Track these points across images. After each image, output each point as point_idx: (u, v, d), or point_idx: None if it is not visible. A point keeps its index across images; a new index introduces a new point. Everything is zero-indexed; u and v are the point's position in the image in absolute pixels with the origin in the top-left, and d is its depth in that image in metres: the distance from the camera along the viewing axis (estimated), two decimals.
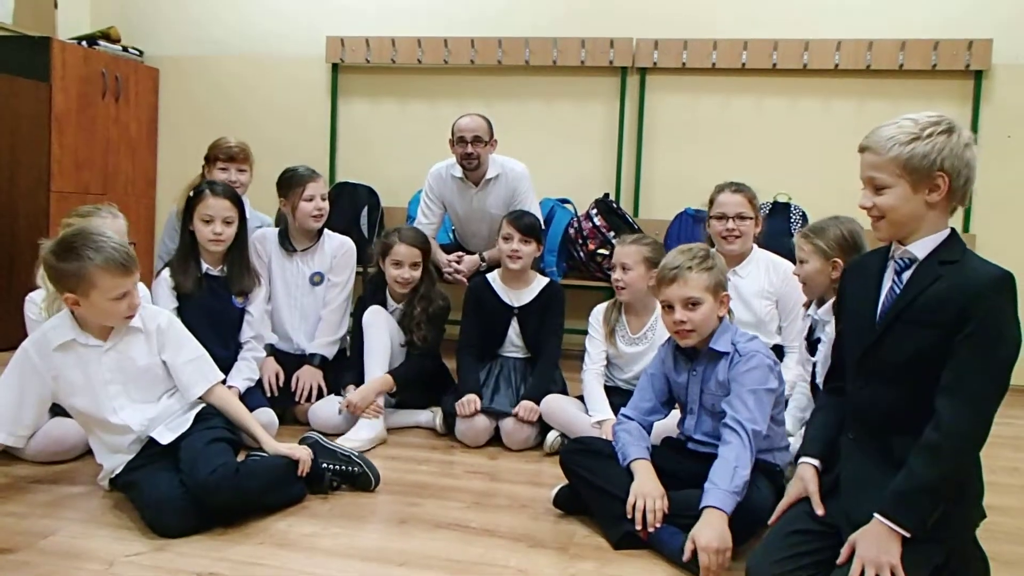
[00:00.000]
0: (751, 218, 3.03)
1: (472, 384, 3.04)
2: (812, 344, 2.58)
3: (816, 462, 1.91)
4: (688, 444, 2.28)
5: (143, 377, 2.28)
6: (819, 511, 1.83)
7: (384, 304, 3.18)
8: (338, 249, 3.34)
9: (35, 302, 2.63)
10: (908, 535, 1.62)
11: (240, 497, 2.14)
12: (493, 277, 3.25)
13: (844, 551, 1.69)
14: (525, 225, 3.13)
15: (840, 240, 2.47)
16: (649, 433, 2.29)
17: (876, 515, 1.65)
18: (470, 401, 2.94)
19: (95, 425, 2.26)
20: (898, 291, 1.76)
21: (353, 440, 2.80)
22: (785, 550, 1.78)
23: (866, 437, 1.81)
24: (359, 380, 3.05)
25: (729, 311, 2.26)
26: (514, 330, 3.20)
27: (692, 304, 2.16)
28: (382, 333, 3.05)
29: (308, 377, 3.16)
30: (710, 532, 1.91)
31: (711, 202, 3.10)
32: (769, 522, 1.91)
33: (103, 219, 2.66)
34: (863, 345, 1.80)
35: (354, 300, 3.38)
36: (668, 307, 2.21)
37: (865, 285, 1.84)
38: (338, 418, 3.00)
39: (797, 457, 1.99)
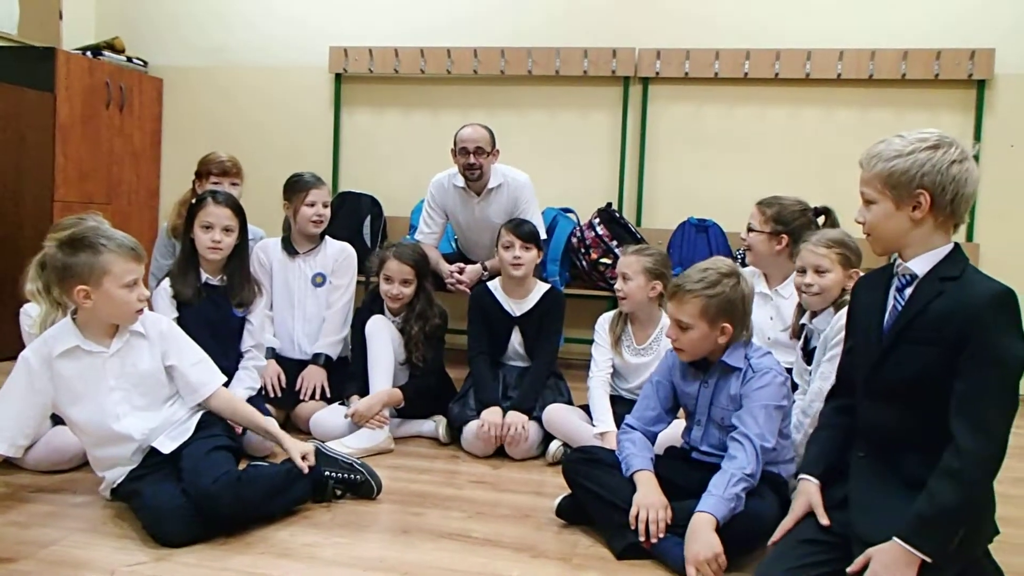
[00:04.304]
0: (758, 232, 2.92)
1: (491, 394, 3.02)
2: (808, 353, 2.56)
3: (816, 482, 1.90)
4: (693, 454, 2.27)
5: (145, 383, 2.28)
6: (824, 521, 1.82)
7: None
8: (339, 253, 3.38)
9: (29, 315, 2.63)
10: (928, 560, 1.60)
11: (242, 505, 2.13)
12: (495, 285, 3.25)
13: (859, 560, 1.68)
14: (525, 232, 3.13)
15: (858, 251, 2.48)
16: (653, 443, 2.28)
17: (895, 539, 1.63)
18: (492, 424, 2.89)
19: (96, 437, 2.25)
20: (900, 308, 1.76)
21: (347, 446, 2.80)
22: (795, 559, 1.77)
23: (875, 455, 1.81)
24: (362, 391, 3.05)
25: (748, 335, 2.21)
26: (516, 339, 3.20)
27: (682, 326, 2.16)
28: (386, 343, 3.04)
29: (312, 376, 3.19)
30: (696, 545, 1.92)
31: None
32: (772, 539, 1.88)
33: (95, 226, 2.65)
34: (869, 363, 1.80)
35: (354, 309, 3.39)
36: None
37: (871, 302, 1.84)
38: (341, 428, 2.99)
39: (796, 474, 1.99)
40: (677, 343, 2.18)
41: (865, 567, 1.66)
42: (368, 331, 3.07)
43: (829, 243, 2.50)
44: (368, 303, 3.24)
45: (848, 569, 1.69)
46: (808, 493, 1.89)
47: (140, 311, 2.25)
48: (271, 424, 2.48)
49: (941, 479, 1.62)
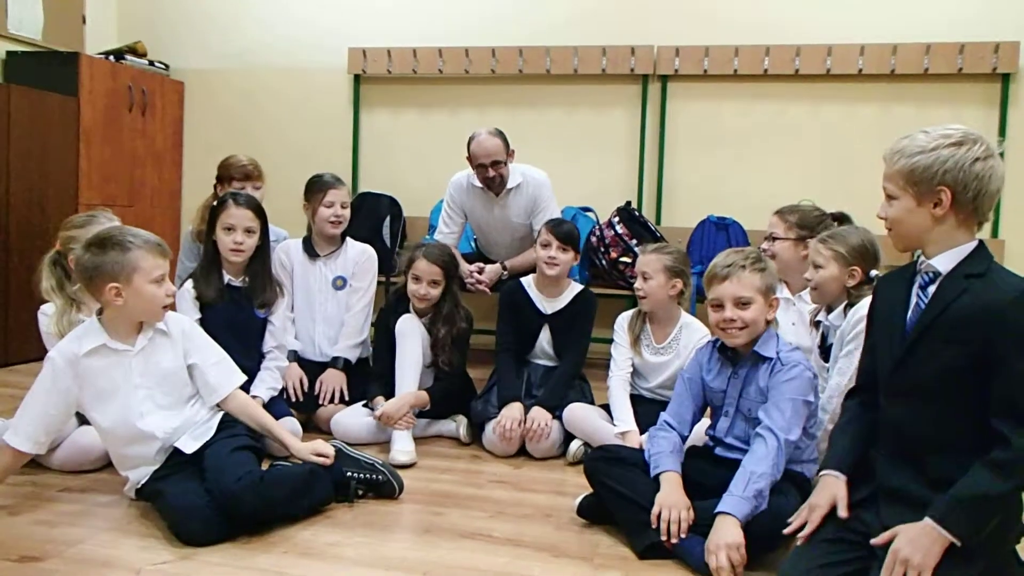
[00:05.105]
0: (783, 239, 2.92)
1: (512, 391, 3.03)
2: (825, 351, 2.55)
3: (843, 477, 1.86)
4: (716, 449, 2.26)
5: (168, 381, 2.31)
6: (843, 513, 1.80)
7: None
8: (360, 256, 3.38)
9: (46, 314, 2.67)
10: (958, 543, 1.59)
11: (265, 505, 2.15)
12: (528, 282, 3.24)
13: (885, 535, 1.66)
14: (564, 233, 3.12)
15: (860, 248, 2.45)
16: (684, 442, 2.28)
17: (928, 519, 1.62)
18: (510, 419, 2.90)
19: (121, 436, 2.27)
20: (923, 306, 1.74)
21: (405, 452, 2.81)
22: (818, 558, 1.76)
23: (899, 455, 1.78)
24: (386, 391, 3.05)
25: (775, 319, 2.24)
26: (545, 337, 3.19)
27: (743, 303, 2.16)
28: (415, 344, 3.03)
29: (331, 380, 3.19)
30: (718, 536, 1.92)
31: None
32: (801, 535, 1.84)
33: (101, 224, 2.68)
34: (892, 361, 1.78)
35: (375, 309, 3.40)
36: (717, 305, 2.19)
37: (894, 299, 1.82)
38: (362, 428, 3.01)
39: (819, 470, 1.96)
40: (737, 323, 2.16)
41: (890, 544, 1.65)
42: (399, 330, 3.05)
43: (823, 239, 2.51)
44: (393, 303, 3.24)
45: (872, 541, 1.68)
46: (834, 487, 1.85)
47: (167, 307, 2.28)
48: (284, 432, 2.49)
49: (986, 468, 1.60)
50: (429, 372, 3.12)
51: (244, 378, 2.48)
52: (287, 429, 2.68)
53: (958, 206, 1.68)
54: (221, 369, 2.41)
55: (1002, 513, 1.62)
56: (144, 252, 2.20)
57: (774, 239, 2.95)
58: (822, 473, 1.90)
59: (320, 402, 3.16)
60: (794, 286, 2.95)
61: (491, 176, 3.72)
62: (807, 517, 1.84)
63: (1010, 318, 1.61)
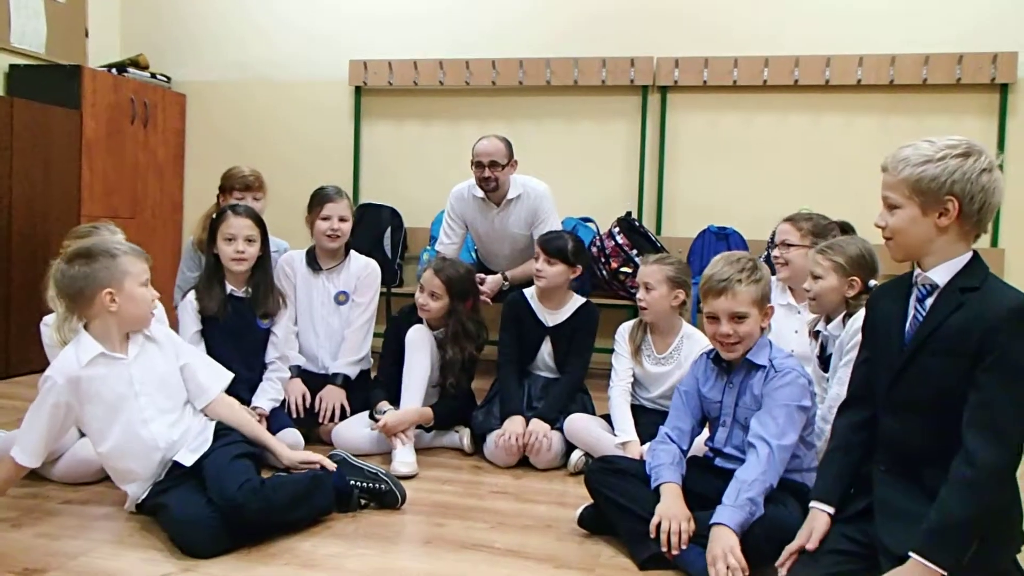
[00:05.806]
0: (798, 246, 2.92)
1: (515, 404, 3.03)
2: (824, 361, 2.55)
3: (831, 510, 1.87)
4: (716, 460, 2.26)
5: (167, 385, 2.34)
6: (811, 547, 1.82)
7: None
8: (363, 270, 3.36)
9: (48, 324, 2.68)
10: (946, 574, 1.58)
11: (267, 511, 2.15)
12: (531, 294, 3.24)
13: None
14: (551, 248, 3.12)
15: (859, 258, 2.46)
16: (686, 454, 2.28)
17: (912, 554, 1.62)
18: (513, 433, 2.90)
19: (124, 450, 2.26)
20: (920, 319, 1.74)
21: (406, 464, 2.81)
22: (824, 569, 1.76)
23: (897, 469, 1.79)
24: (390, 397, 3.05)
25: (768, 325, 2.25)
26: (546, 350, 3.20)
27: (739, 317, 2.15)
28: (424, 356, 3.02)
29: (331, 397, 3.17)
30: (715, 546, 1.93)
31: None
32: (779, 562, 1.87)
33: (103, 237, 2.71)
34: (890, 374, 1.78)
35: (379, 319, 3.40)
36: (713, 318, 2.19)
37: (891, 312, 1.82)
38: (363, 439, 3.01)
39: (810, 498, 1.95)
40: (732, 337, 2.16)
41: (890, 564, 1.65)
42: (409, 340, 3.05)
43: (821, 249, 2.52)
44: (408, 311, 3.23)
45: None
46: (812, 521, 1.87)
47: (152, 314, 2.33)
48: (270, 438, 2.54)
49: (952, 489, 1.61)
50: (434, 391, 3.11)
51: (231, 376, 2.51)
52: (289, 440, 2.70)
53: (963, 217, 1.68)
54: (209, 370, 2.47)
55: (982, 532, 1.61)
56: (132, 257, 2.25)
57: (788, 246, 2.96)
58: (810, 504, 1.91)
59: (320, 420, 3.15)
60: (800, 294, 2.95)
61: (486, 176, 3.73)
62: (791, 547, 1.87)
63: (1001, 333, 1.61)
